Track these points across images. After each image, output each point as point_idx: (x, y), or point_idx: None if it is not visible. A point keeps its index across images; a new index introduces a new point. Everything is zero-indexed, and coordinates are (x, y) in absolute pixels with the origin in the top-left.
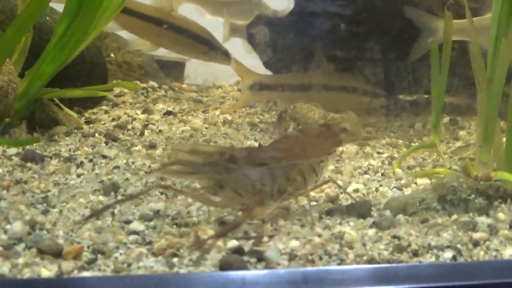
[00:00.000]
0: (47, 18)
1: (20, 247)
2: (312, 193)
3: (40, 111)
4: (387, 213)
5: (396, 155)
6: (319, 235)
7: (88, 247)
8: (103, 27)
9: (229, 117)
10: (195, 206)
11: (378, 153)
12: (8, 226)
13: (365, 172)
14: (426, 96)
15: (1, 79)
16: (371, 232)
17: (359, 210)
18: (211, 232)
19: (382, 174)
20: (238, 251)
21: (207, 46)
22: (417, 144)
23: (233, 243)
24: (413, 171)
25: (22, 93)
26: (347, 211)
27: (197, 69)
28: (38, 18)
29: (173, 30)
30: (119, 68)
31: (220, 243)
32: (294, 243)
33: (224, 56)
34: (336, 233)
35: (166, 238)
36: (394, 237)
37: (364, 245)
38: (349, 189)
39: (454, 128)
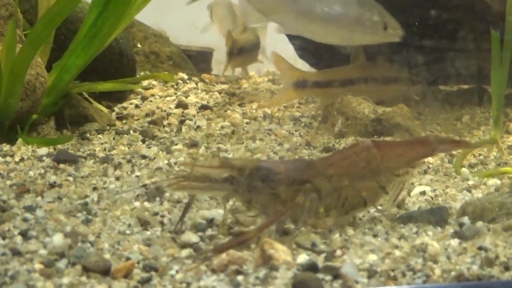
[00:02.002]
0: None
1: (62, 264)
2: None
3: (69, 106)
4: (466, 220)
5: (453, 152)
6: (397, 247)
7: (138, 263)
8: (134, 16)
9: (268, 111)
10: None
11: None
12: (47, 239)
13: (425, 172)
14: (466, 86)
15: (28, 72)
16: (454, 242)
17: (435, 217)
18: (278, 246)
19: (445, 174)
20: (312, 267)
21: None
22: (478, 139)
23: (303, 258)
24: (476, 169)
25: (50, 87)
26: (422, 218)
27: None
28: (71, 11)
29: None
30: (146, 59)
31: (288, 257)
32: (372, 257)
33: None
34: (418, 245)
35: (227, 253)
36: (480, 248)
37: (449, 258)
38: (415, 192)
39: (505, 121)
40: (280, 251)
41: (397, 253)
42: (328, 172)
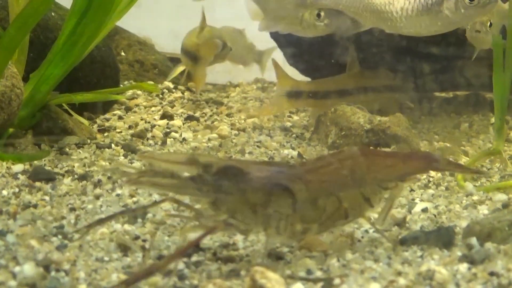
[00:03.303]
0: (53, 14)
1: None
2: (375, 215)
3: (47, 119)
4: (474, 241)
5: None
6: (401, 273)
7: None
8: (115, 23)
9: (257, 121)
10: (240, 236)
11: None
12: (17, 269)
13: (426, 186)
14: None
15: (3, 84)
16: (463, 268)
17: (441, 238)
18: (270, 275)
19: (447, 188)
20: None
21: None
22: (478, 149)
23: (298, 287)
24: (479, 183)
25: (27, 99)
26: (427, 240)
27: (213, 67)
28: (44, 13)
29: None
30: (130, 68)
31: (282, 287)
32: (374, 286)
33: None
34: (424, 271)
35: (214, 282)
36: (492, 274)
37: (458, 286)
38: (417, 209)
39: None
40: (272, 280)
41: (402, 281)
42: (306, 178)
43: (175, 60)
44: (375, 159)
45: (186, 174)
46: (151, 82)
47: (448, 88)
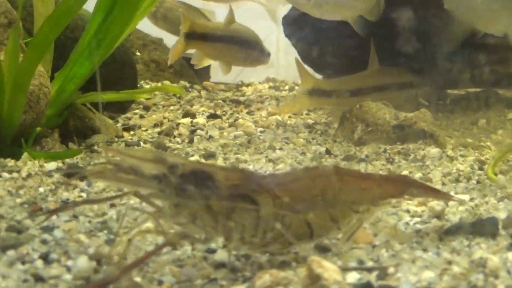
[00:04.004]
0: None
1: None
2: (413, 207)
3: (74, 118)
4: None
5: (482, 158)
6: (450, 262)
7: (171, 286)
8: (139, 21)
9: (279, 118)
10: None
11: (462, 156)
12: (69, 262)
13: (457, 180)
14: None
15: (31, 83)
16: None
17: (486, 228)
18: (327, 264)
19: (478, 182)
20: (367, 287)
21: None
22: (498, 144)
23: (353, 277)
24: (508, 176)
25: (53, 98)
26: (471, 230)
27: None
28: (77, 11)
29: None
30: (146, 68)
31: (338, 276)
32: (428, 274)
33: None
34: (477, 259)
35: (271, 273)
36: None
37: (509, 273)
38: (454, 202)
39: None
40: (329, 270)
41: (455, 268)
42: (274, 192)
43: (188, 60)
44: (349, 180)
45: (152, 172)
46: (168, 82)
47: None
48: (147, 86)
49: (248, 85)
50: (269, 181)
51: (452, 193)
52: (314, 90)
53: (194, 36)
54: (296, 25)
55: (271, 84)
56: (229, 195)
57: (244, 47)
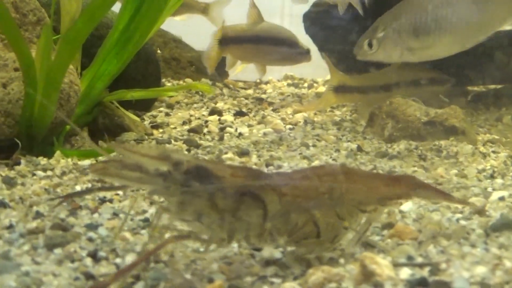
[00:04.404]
0: None
1: (140, 287)
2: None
3: (103, 116)
4: None
5: None
6: (500, 258)
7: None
8: (166, 19)
9: (305, 115)
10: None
11: (494, 152)
12: (118, 260)
13: (492, 176)
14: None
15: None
16: None
17: None
18: (380, 260)
19: None
20: (421, 283)
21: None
22: None
23: (406, 273)
24: None
25: (82, 96)
26: None
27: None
28: (112, 6)
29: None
30: (167, 65)
31: (391, 272)
32: (480, 270)
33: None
34: None
35: (323, 269)
36: None
37: None
38: (493, 198)
39: None
40: (382, 265)
41: (508, 263)
42: (281, 190)
43: None
44: (356, 179)
45: (157, 169)
46: (190, 80)
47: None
48: (168, 84)
49: (266, 82)
50: (275, 179)
51: (489, 189)
52: (340, 86)
53: (228, 41)
54: (317, 21)
55: (289, 81)
56: (235, 192)
57: (280, 46)
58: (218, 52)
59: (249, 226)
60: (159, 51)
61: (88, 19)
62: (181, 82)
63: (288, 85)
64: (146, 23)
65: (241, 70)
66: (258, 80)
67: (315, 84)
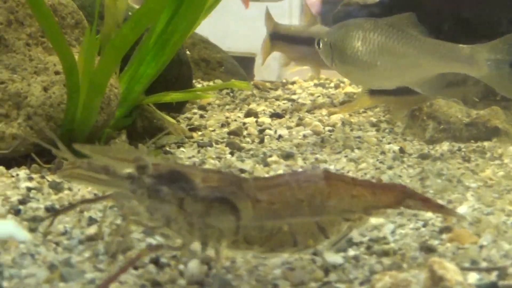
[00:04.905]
0: (130, 13)
1: None
2: (508, 206)
3: (142, 119)
4: None
5: None
6: None
7: None
8: (202, 21)
9: (341, 116)
10: (387, 228)
11: None
12: (180, 267)
13: None
14: None
15: None
16: None
17: None
18: (448, 265)
19: None
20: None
21: None
22: None
23: (474, 277)
24: None
25: (121, 99)
26: None
27: (269, 65)
28: (160, 12)
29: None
30: (196, 67)
31: (460, 277)
32: None
33: None
34: None
35: (390, 275)
36: None
37: None
38: None
39: None
40: (451, 270)
41: None
42: (256, 196)
43: (238, 59)
44: (339, 186)
45: (124, 172)
46: (219, 80)
47: None
48: (199, 85)
49: (293, 83)
50: (250, 184)
51: None
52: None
53: (278, 37)
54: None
55: (315, 81)
56: (204, 197)
57: None
58: (269, 45)
59: (221, 232)
60: (188, 52)
61: (134, 25)
62: (211, 83)
63: (315, 85)
64: (184, 25)
65: (295, 71)
66: (284, 80)
67: (341, 84)
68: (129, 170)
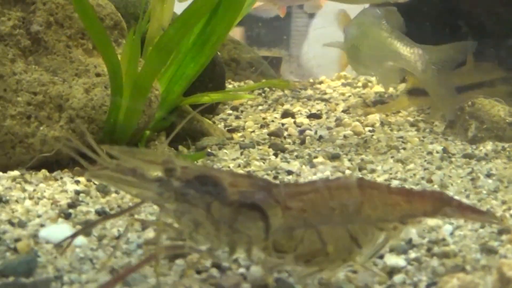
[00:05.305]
0: None
1: None
2: None
3: (181, 120)
4: None
5: None
6: None
7: None
8: (239, 21)
9: (378, 117)
10: (446, 230)
11: None
12: (242, 270)
13: None
14: None
15: None
16: None
17: None
18: None
19: None
20: None
21: None
22: None
23: None
24: None
25: (160, 100)
26: None
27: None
28: (206, 13)
29: None
30: (227, 67)
31: None
32: None
33: None
34: None
35: (458, 277)
36: None
37: None
38: None
39: None
40: None
41: None
42: (286, 203)
43: (265, 59)
44: (373, 194)
45: (152, 175)
46: (251, 81)
47: None
48: (230, 86)
49: (320, 82)
50: (281, 190)
51: None
52: (414, 89)
53: None
54: None
55: (343, 81)
56: (232, 202)
57: None
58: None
59: (250, 239)
60: (218, 53)
61: (180, 27)
62: (242, 83)
63: (343, 84)
64: (223, 25)
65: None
66: (311, 80)
67: (369, 84)
68: (157, 172)
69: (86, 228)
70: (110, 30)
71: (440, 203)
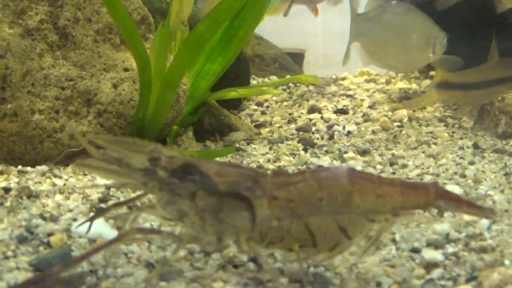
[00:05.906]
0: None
1: None
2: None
3: (209, 115)
4: None
5: None
6: None
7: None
8: (265, 16)
9: (406, 112)
10: (482, 224)
11: None
12: (278, 265)
13: None
14: None
15: None
16: None
17: None
18: None
19: None
20: None
21: None
22: None
23: None
24: None
25: (188, 95)
26: None
27: (317, 61)
28: (237, 10)
29: None
30: (251, 63)
31: None
32: None
33: None
34: None
35: (499, 271)
36: None
37: None
38: None
39: None
40: None
41: None
42: (272, 193)
43: (290, 55)
44: (364, 185)
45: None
46: (275, 77)
47: None
48: (254, 82)
49: (343, 78)
50: (268, 180)
51: None
52: (443, 83)
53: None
54: None
55: (366, 77)
56: (218, 192)
57: None
58: None
59: (236, 229)
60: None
61: (211, 23)
62: (266, 79)
63: (366, 81)
64: (250, 20)
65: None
66: (334, 76)
67: (392, 80)
68: (139, 161)
69: (98, 215)
70: (138, 24)
71: (433, 195)
